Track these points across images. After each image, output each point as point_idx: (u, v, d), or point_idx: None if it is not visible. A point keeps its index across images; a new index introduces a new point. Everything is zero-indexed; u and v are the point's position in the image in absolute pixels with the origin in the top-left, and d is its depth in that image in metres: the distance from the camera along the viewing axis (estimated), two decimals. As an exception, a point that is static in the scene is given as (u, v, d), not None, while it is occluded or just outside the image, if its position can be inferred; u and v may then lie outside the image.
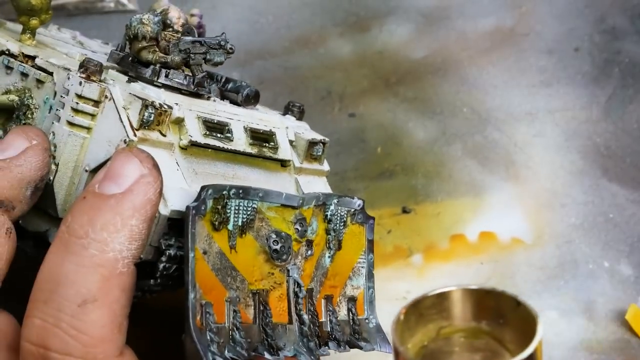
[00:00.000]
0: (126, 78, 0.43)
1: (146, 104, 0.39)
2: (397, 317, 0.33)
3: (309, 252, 0.42)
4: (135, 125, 0.40)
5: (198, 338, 0.37)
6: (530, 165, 0.67)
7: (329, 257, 0.43)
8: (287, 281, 0.41)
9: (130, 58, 0.43)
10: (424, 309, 0.34)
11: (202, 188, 0.38)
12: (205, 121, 0.42)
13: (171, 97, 0.42)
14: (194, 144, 0.41)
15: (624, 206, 0.64)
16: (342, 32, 0.80)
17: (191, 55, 0.43)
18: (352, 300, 0.44)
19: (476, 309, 0.34)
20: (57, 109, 0.41)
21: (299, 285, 0.41)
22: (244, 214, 0.40)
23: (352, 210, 0.45)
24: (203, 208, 0.38)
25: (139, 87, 0.42)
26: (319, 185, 0.47)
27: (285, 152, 0.45)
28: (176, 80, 0.43)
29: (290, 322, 0.41)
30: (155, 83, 0.42)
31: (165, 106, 0.40)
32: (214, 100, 0.45)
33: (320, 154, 0.47)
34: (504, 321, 0.34)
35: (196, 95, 0.44)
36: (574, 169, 0.66)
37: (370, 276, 0.45)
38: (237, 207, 0.39)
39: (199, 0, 0.82)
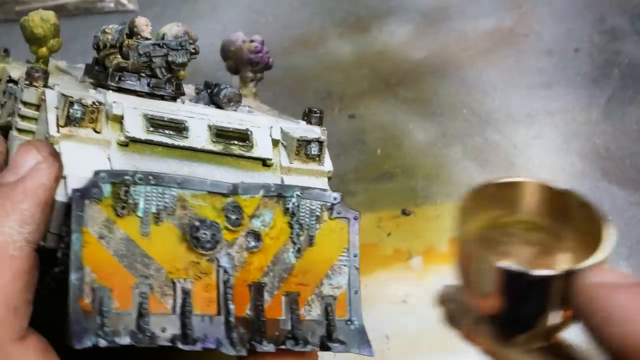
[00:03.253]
0: (91, 87, 0.44)
1: (71, 101, 0.40)
2: (460, 201, 0.33)
3: (254, 243, 0.41)
4: (61, 122, 0.41)
5: (77, 319, 0.37)
6: (529, 167, 0.67)
7: (293, 252, 0.42)
8: (218, 271, 0.41)
9: (96, 67, 0.45)
10: (486, 197, 0.34)
11: (95, 172, 0.39)
12: (151, 118, 0.42)
13: (122, 99, 0.42)
14: (134, 140, 0.42)
15: (624, 208, 0.64)
16: (342, 32, 0.80)
17: (152, 58, 0.44)
18: (329, 299, 0.43)
19: (537, 202, 0.34)
20: (15, 120, 0.43)
21: (227, 275, 0.40)
22: (158, 201, 0.40)
23: (328, 204, 0.43)
24: (95, 192, 0.39)
25: (92, 92, 0.43)
26: (316, 186, 0.45)
27: (264, 150, 0.44)
28: (128, 82, 0.44)
29: (219, 313, 0.40)
30: (110, 87, 0.44)
31: (96, 104, 0.41)
32: (182, 102, 0.45)
33: (317, 153, 0.46)
34: (565, 219, 0.34)
35: (157, 96, 0.44)
36: (573, 171, 0.66)
37: (354, 275, 0.43)
38: (148, 194, 0.40)
39: (199, 1, 0.82)
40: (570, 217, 0.34)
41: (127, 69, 0.44)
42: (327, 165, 0.46)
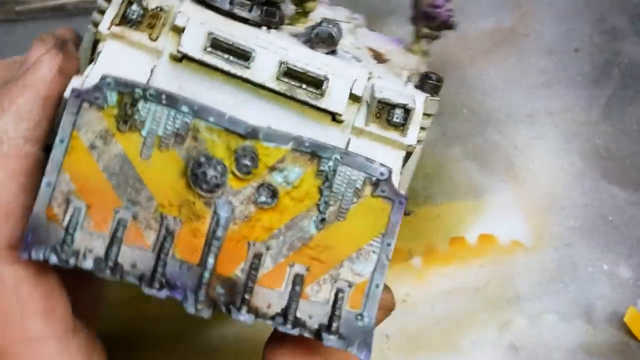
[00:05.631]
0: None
1: (130, 1, 0.37)
2: None
3: (265, 199, 0.36)
4: (116, 20, 0.38)
5: (36, 227, 0.34)
6: (530, 167, 0.67)
7: (315, 222, 0.37)
8: (212, 217, 0.36)
9: None
10: None
11: (101, 77, 0.35)
12: (214, 38, 0.38)
13: (195, 11, 0.38)
14: (188, 58, 0.38)
15: (624, 208, 0.64)
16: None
17: None
18: (344, 285, 0.37)
19: None
20: (93, 13, 0.40)
21: (219, 225, 0.36)
22: (168, 125, 0.36)
23: (373, 178, 0.37)
24: (98, 97, 0.35)
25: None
26: (385, 158, 0.39)
27: (336, 103, 0.38)
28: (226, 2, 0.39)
29: (200, 264, 0.35)
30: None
31: (159, 9, 0.38)
32: (273, 32, 0.40)
33: (402, 121, 0.39)
34: None
35: (239, 18, 0.39)
36: (573, 171, 0.66)
37: (382, 267, 0.37)
38: (157, 114, 0.35)
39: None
40: None
41: None
42: (411, 138, 0.40)
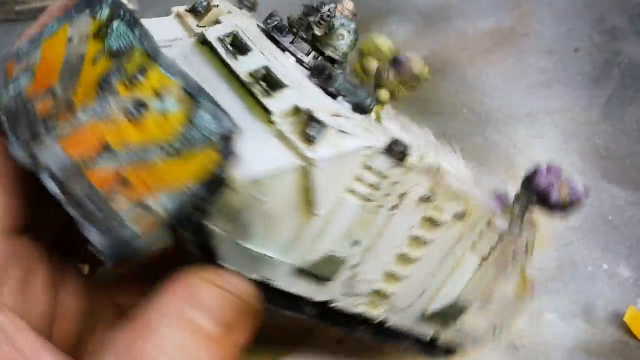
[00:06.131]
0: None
1: None
2: None
3: (134, 112, 0.37)
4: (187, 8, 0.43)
5: None
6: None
7: (160, 153, 0.36)
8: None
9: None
10: None
11: None
12: (235, 36, 0.40)
13: (243, 17, 0.42)
14: (205, 43, 0.39)
15: (624, 208, 0.64)
16: (342, 32, 0.80)
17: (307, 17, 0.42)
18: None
19: None
20: None
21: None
22: (121, 43, 0.37)
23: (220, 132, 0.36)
24: (97, 9, 0.38)
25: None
26: (277, 155, 0.38)
27: (276, 106, 0.37)
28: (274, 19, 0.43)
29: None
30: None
31: (214, 6, 0.42)
32: (294, 59, 0.41)
33: (315, 135, 0.36)
34: None
35: (273, 39, 0.42)
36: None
37: None
38: (121, 33, 0.37)
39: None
40: None
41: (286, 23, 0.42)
42: (316, 154, 0.37)
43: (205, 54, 0.40)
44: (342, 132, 0.37)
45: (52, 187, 0.35)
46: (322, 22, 0.41)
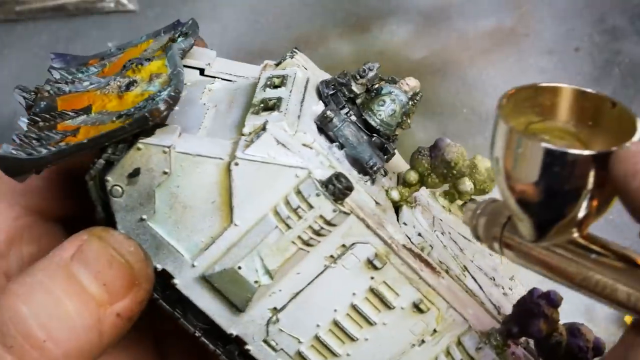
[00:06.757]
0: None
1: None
2: (500, 101, 0.32)
3: (123, 87, 0.39)
4: None
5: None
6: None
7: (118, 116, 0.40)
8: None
9: (341, 82, 0.41)
10: (520, 101, 0.33)
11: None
12: (283, 78, 0.40)
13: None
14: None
15: (624, 208, 0.64)
16: (342, 32, 0.80)
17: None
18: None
19: (569, 108, 0.34)
20: None
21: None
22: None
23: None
24: (177, 29, 0.42)
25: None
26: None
27: (253, 115, 0.38)
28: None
29: None
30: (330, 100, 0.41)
31: (290, 60, 0.41)
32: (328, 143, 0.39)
33: (254, 140, 0.38)
34: (595, 123, 0.33)
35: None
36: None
37: None
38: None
39: (199, 1, 0.82)
40: (601, 121, 0.33)
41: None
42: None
43: (251, 87, 0.40)
44: (284, 147, 0.36)
45: (21, 101, 0.39)
46: (358, 76, 0.40)
